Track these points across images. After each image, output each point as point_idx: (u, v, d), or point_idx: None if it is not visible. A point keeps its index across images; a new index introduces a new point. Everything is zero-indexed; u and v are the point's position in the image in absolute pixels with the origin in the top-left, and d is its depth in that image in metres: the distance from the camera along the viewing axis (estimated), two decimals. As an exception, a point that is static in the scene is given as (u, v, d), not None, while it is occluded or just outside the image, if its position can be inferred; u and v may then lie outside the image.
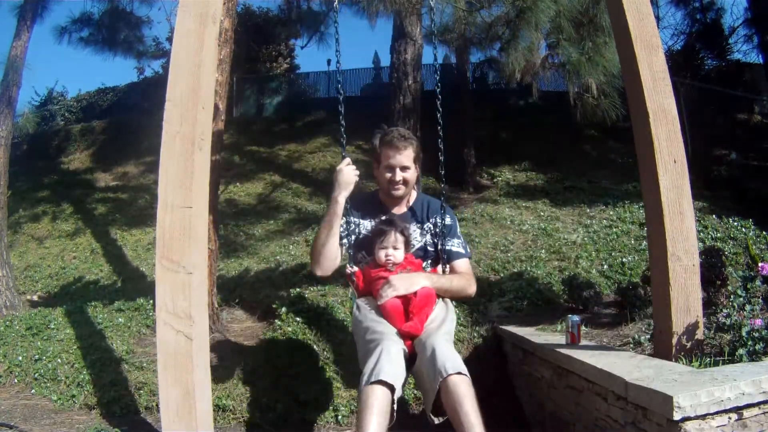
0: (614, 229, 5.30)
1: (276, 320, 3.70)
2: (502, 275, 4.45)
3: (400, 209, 2.41)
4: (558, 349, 2.47)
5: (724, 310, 2.20)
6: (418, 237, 2.37)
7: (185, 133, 1.93)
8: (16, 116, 6.42)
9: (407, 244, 2.26)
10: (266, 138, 10.35)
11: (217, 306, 3.89)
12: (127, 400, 2.91)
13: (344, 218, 2.29)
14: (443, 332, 2.03)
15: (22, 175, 9.23)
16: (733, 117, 10.01)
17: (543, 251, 4.86)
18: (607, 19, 4.39)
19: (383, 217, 2.34)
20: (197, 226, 1.90)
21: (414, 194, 2.45)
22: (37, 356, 3.37)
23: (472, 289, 2.33)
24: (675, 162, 2.14)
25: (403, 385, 1.95)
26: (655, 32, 2.26)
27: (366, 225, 2.36)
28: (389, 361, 1.84)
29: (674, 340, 2.04)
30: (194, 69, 1.97)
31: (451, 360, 1.83)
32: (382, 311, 2.09)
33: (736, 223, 5.25)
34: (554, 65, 5.82)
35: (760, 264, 2.32)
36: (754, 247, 3.99)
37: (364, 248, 2.31)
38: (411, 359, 2.02)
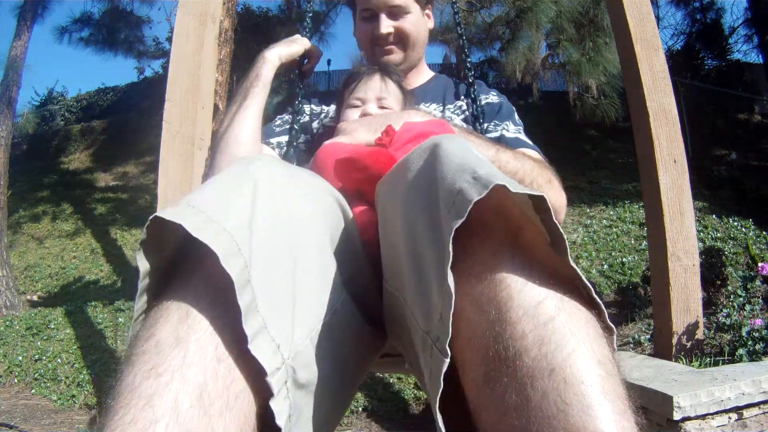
0: (614, 229, 5.30)
1: (276, 320, 3.70)
2: (502, 275, 4.45)
3: None
4: (558, 349, 2.47)
5: (724, 310, 2.20)
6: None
7: (185, 133, 1.93)
8: (16, 116, 6.43)
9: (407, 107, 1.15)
10: (266, 138, 10.35)
11: (217, 306, 3.89)
12: (127, 400, 2.91)
13: (288, 109, 1.30)
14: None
15: (22, 175, 9.23)
16: (733, 117, 10.01)
17: (543, 251, 4.86)
18: (608, 19, 4.39)
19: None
20: (197, 226, 1.90)
21: (426, 71, 1.37)
22: (37, 356, 3.37)
23: (563, 197, 1.09)
24: (675, 162, 2.14)
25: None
26: (655, 32, 2.26)
27: (331, 113, 1.29)
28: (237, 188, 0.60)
29: (674, 340, 2.04)
30: (194, 69, 1.97)
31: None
32: (312, 166, 0.94)
33: (736, 223, 5.25)
34: (554, 65, 5.83)
35: (760, 264, 2.32)
36: (754, 247, 3.99)
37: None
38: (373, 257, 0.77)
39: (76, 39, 8.22)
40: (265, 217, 0.56)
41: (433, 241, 0.53)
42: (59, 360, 3.32)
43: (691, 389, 1.54)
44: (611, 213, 5.84)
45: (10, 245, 5.80)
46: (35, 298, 5.38)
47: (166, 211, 0.51)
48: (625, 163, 7.85)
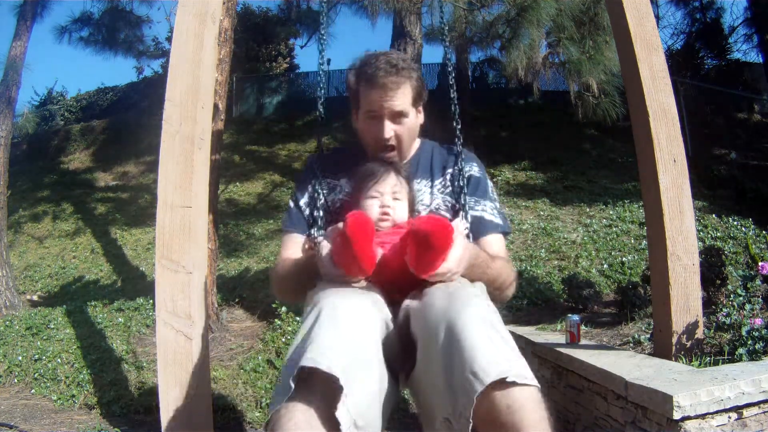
0: (614, 229, 5.30)
1: (276, 320, 3.70)
2: (502, 275, 4.45)
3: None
4: (558, 349, 2.47)
5: (724, 310, 2.20)
6: (425, 199, 1.49)
7: (185, 133, 1.93)
8: (16, 116, 6.43)
9: (412, 201, 1.44)
10: (266, 137, 10.35)
11: (217, 306, 3.89)
12: (127, 400, 2.91)
13: (309, 185, 1.52)
14: (475, 294, 1.14)
15: (22, 175, 9.23)
16: (733, 116, 10.01)
17: (543, 250, 4.86)
18: (608, 17, 4.39)
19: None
20: (197, 226, 1.90)
21: (417, 142, 1.59)
22: (37, 356, 3.37)
23: (512, 288, 1.44)
24: (675, 161, 2.14)
25: (391, 391, 1.10)
26: (654, 32, 2.25)
27: (345, 187, 1.51)
28: (335, 331, 1.00)
29: (674, 340, 2.04)
30: (193, 68, 1.97)
31: (503, 357, 0.96)
32: (334, 246, 1.19)
33: (736, 223, 5.25)
34: (555, 64, 5.83)
35: (760, 263, 2.32)
36: (753, 246, 3.99)
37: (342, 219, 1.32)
38: (403, 334, 1.15)
39: (75, 39, 8.23)
40: (349, 349, 0.99)
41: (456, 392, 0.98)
42: (59, 360, 3.32)
43: (691, 388, 1.54)
44: (611, 212, 5.85)
45: (10, 245, 5.80)
46: (35, 298, 5.39)
47: (306, 359, 0.95)
48: (625, 163, 7.85)
